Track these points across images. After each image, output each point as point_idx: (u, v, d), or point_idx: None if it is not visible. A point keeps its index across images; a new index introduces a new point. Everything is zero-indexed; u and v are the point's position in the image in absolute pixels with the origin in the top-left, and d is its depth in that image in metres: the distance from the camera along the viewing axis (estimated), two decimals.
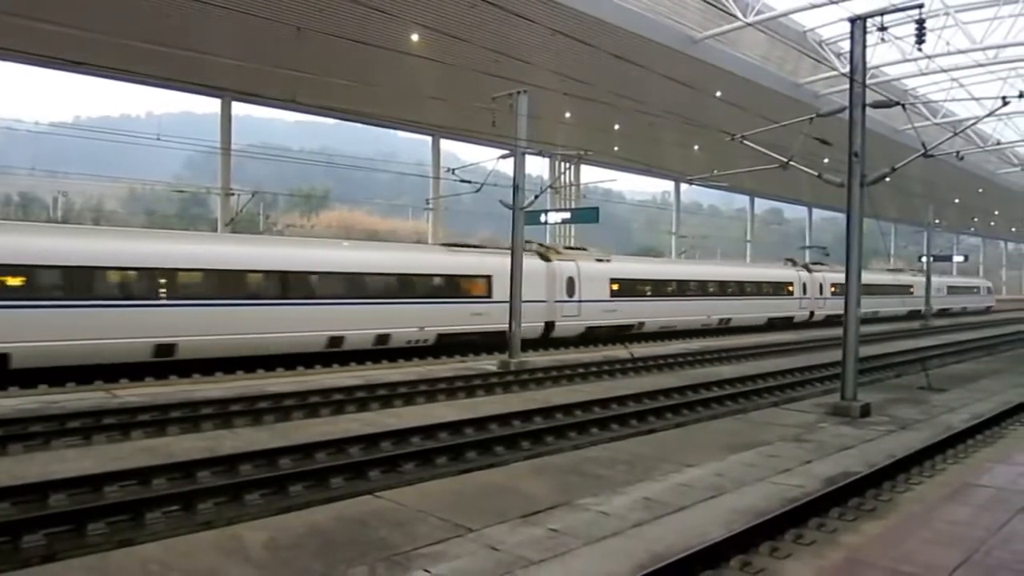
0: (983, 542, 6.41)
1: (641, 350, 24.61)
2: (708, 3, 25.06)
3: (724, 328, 34.49)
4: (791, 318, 39.05)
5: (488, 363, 20.44)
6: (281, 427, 12.16)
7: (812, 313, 40.39)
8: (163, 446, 10.61)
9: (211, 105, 27.02)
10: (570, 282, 26.53)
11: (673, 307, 31.42)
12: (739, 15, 24.86)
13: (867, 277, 48.43)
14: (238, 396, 13.78)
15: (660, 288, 31.05)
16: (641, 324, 29.52)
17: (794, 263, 41.45)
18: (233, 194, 25.16)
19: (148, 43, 17.33)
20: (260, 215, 27.59)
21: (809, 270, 41.35)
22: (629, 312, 28.93)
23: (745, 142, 16.74)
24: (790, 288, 38.95)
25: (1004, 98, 15.00)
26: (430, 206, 32.51)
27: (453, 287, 23.14)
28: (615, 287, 28.40)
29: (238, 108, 27.13)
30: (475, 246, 25.99)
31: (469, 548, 6.71)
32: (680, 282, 32.55)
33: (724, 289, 34.96)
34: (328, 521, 7.52)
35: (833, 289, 41.66)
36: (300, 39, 18.26)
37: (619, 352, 23.74)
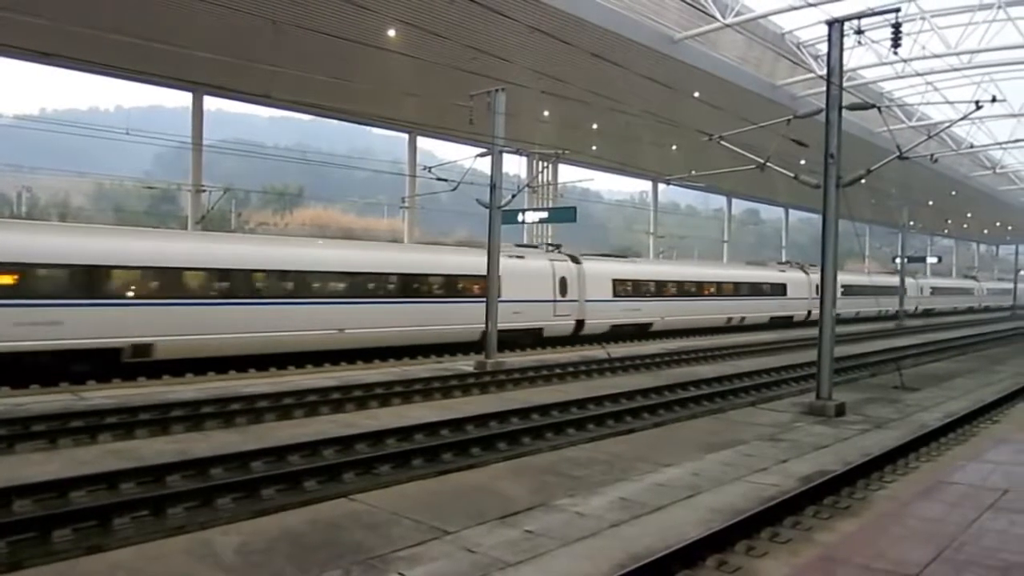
0: (954, 538, 6.48)
1: (619, 350, 24.64)
2: (687, 3, 25.15)
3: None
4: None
5: (464, 363, 20.36)
6: (254, 429, 11.99)
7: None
8: (132, 449, 10.40)
9: (182, 99, 26.52)
10: None
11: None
12: (718, 16, 24.95)
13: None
14: (209, 398, 13.54)
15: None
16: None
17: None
18: (204, 191, 24.76)
19: (117, 34, 17.03)
20: (232, 212, 27.17)
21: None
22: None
23: (723, 143, 16.81)
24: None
25: (977, 102, 15.20)
26: (406, 204, 32.30)
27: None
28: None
29: (210, 102, 26.68)
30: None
31: (445, 550, 6.67)
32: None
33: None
34: (302, 524, 7.45)
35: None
36: (275, 33, 18.05)
37: (597, 352, 23.74)
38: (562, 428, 12.52)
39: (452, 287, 23.80)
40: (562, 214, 23.28)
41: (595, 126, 30.32)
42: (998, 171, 51.93)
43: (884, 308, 46.43)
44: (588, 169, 36.49)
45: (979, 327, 43.11)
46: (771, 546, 6.97)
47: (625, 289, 30.46)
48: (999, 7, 26.54)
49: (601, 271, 29.49)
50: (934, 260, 58.32)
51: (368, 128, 34.82)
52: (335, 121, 31.18)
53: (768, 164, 16.36)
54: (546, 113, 27.96)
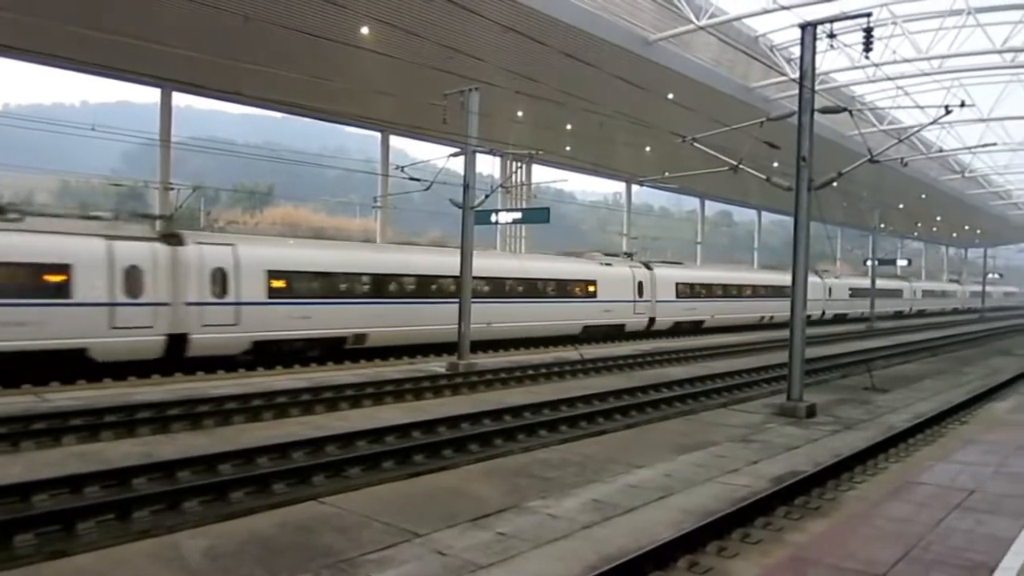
0: (922, 538, 6.54)
1: (592, 351, 24.66)
2: (661, 5, 25.23)
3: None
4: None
5: (436, 365, 20.23)
6: (222, 431, 11.85)
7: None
8: (97, 452, 10.22)
9: (150, 95, 25.93)
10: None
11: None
12: (692, 18, 25.07)
13: None
14: (176, 399, 13.35)
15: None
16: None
17: None
18: (172, 189, 24.25)
19: (83, 27, 16.65)
20: (201, 211, 26.69)
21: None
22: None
23: (696, 144, 16.88)
24: None
25: (947, 107, 15.43)
26: (378, 204, 32.00)
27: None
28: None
29: (179, 99, 26.08)
30: None
31: (416, 553, 6.62)
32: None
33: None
34: (270, 528, 7.37)
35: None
36: (247, 29, 17.76)
37: (570, 353, 23.74)
38: (534, 430, 12.51)
39: (563, 289, 29.06)
40: (536, 215, 23.24)
41: (569, 127, 30.32)
42: (967, 175, 52.67)
43: (884, 308, 53.76)
44: (562, 170, 36.44)
45: (949, 329, 43.97)
46: (742, 547, 7.01)
47: (685, 291, 35.41)
48: (968, 13, 26.97)
49: (668, 276, 34.33)
50: (904, 263, 59.23)
51: (340, 127, 34.46)
52: (306, 119, 30.75)
53: (741, 166, 16.47)
54: (520, 113, 27.89)
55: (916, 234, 75.80)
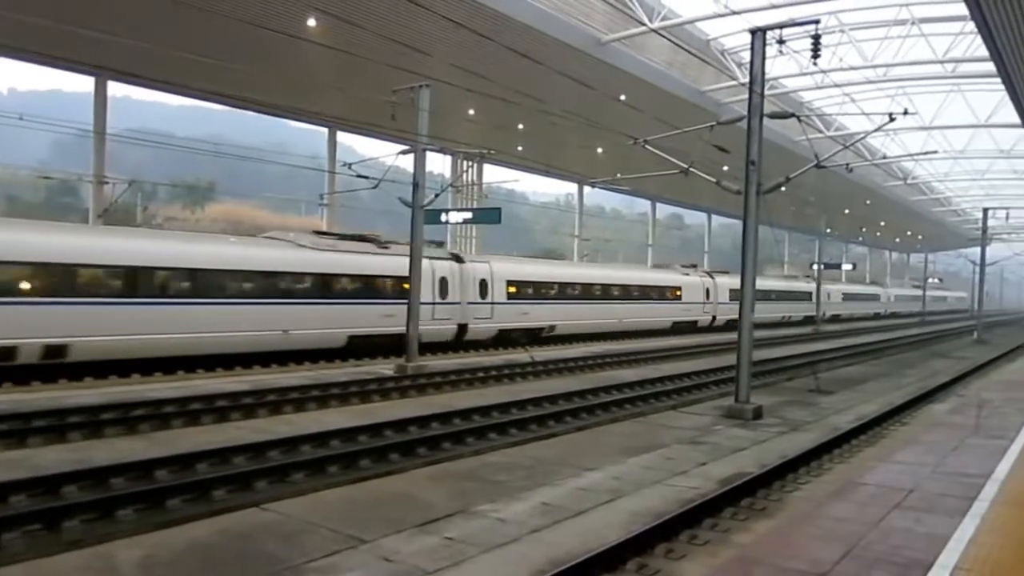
0: (863, 536, 6.63)
1: (542, 353, 24.66)
2: (614, 6, 25.32)
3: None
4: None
5: (384, 367, 19.92)
6: (160, 436, 11.44)
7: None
8: (24, 458, 9.75)
9: (84, 83, 24.84)
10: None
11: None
12: (644, 19, 25.21)
13: None
14: (111, 403, 12.85)
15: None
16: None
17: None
18: (107, 183, 23.35)
19: (12, 11, 15.88)
20: (138, 206, 25.82)
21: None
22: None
23: (648, 147, 16.96)
24: None
25: (891, 114, 15.77)
26: (325, 202, 31.42)
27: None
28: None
29: (115, 88, 25.07)
30: None
31: (362, 560, 6.52)
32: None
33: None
34: (210, 536, 7.17)
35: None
36: (187, 16, 17.17)
37: (520, 355, 23.70)
38: (484, 433, 12.37)
39: (662, 293, 37.46)
40: (487, 215, 23.11)
41: (521, 126, 30.27)
42: (910, 182, 54.31)
43: (867, 310, 65.38)
44: (513, 170, 36.38)
45: (890, 332, 45.48)
46: (690, 548, 7.06)
47: (735, 295, 38.10)
48: (913, 23, 27.78)
49: (724, 283, 41.83)
50: (848, 267, 60.82)
51: (285, 121, 33.74)
52: (250, 112, 29.91)
53: (692, 169, 16.61)
54: (471, 112, 27.75)
55: (861, 239, 77.95)
